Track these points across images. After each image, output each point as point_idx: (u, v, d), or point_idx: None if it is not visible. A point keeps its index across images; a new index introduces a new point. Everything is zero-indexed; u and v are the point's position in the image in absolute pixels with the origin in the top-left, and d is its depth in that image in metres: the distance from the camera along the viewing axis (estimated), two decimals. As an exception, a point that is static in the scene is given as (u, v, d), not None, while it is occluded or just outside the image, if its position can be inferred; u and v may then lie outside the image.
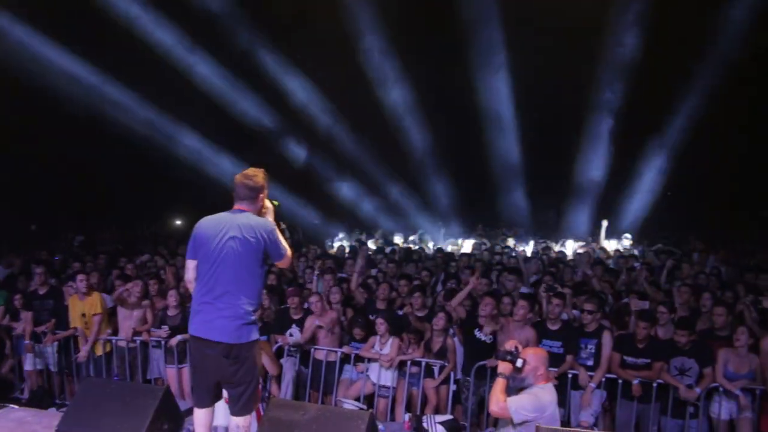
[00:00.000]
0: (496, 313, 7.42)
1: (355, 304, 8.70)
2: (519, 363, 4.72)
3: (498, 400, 4.66)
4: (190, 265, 4.50)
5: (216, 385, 4.61)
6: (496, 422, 6.17)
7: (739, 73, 16.11)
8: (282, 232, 4.68)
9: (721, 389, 6.64)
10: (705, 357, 6.75)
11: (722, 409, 6.68)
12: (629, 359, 6.89)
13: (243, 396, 4.55)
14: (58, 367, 8.64)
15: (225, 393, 4.80)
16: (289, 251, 4.59)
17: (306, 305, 8.19)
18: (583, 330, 7.22)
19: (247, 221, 4.43)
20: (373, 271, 10.68)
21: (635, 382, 6.75)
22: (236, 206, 4.55)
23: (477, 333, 7.41)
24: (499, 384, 4.74)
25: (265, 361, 7.01)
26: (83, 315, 8.31)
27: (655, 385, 6.76)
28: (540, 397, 4.70)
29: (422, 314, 7.99)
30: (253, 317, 4.47)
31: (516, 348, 4.85)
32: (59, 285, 9.25)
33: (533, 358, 4.86)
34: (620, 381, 6.87)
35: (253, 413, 5.87)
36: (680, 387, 6.63)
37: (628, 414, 6.89)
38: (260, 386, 5.20)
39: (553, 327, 7.18)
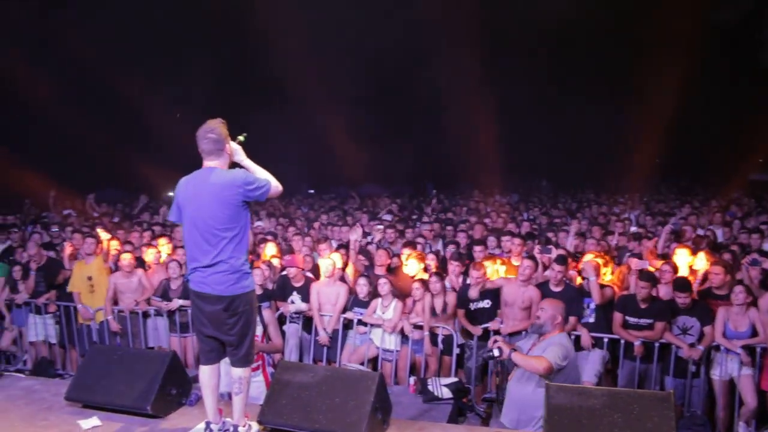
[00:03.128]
0: (486, 279, 7.50)
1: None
2: (496, 353, 5.29)
3: (538, 362, 5.06)
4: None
5: (216, 339, 4.60)
6: (499, 385, 6.31)
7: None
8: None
9: (722, 348, 6.69)
10: (706, 316, 6.80)
11: (723, 369, 6.72)
12: (631, 319, 6.93)
13: (242, 347, 4.57)
14: (58, 338, 8.66)
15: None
16: (271, 180, 4.50)
17: (306, 272, 8.20)
18: (584, 290, 7.26)
19: (219, 179, 4.35)
20: (370, 238, 10.64)
21: (637, 343, 6.80)
22: (205, 164, 4.45)
23: (472, 306, 7.51)
24: (519, 356, 5.23)
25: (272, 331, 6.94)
26: (89, 278, 8.29)
27: (657, 345, 6.81)
28: (565, 345, 5.25)
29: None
30: (246, 268, 4.48)
31: (494, 342, 5.47)
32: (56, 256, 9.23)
33: (550, 306, 5.44)
34: (622, 341, 6.92)
35: (263, 380, 5.90)
36: (683, 346, 6.67)
37: (631, 374, 6.95)
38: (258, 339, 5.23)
39: (556, 289, 7.20)
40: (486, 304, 7.48)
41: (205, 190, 4.32)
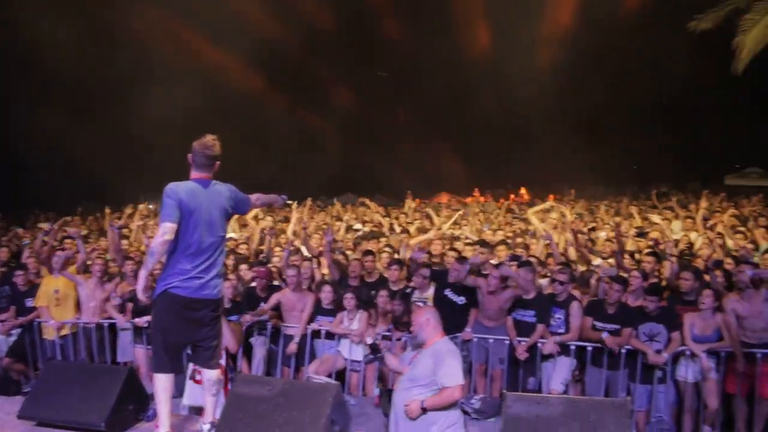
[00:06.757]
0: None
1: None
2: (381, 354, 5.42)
3: (450, 394, 4.67)
4: (172, 228, 4.55)
5: (183, 347, 5.09)
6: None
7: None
8: None
9: (687, 352, 6.70)
10: (673, 322, 6.78)
11: (689, 372, 6.75)
12: (599, 324, 6.91)
13: (216, 348, 4.93)
14: (21, 353, 8.39)
15: (196, 374, 5.45)
16: (251, 197, 5.08)
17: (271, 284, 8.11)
18: (553, 299, 7.23)
19: (220, 190, 4.80)
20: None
21: (604, 335, 6.78)
22: (201, 175, 4.75)
23: (448, 293, 7.42)
24: (431, 400, 4.71)
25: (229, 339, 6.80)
26: (56, 291, 8.06)
27: (624, 351, 6.79)
28: (454, 351, 4.94)
29: (397, 288, 7.88)
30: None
31: (370, 338, 5.76)
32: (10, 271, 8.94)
33: (417, 316, 5.11)
34: (589, 348, 6.90)
35: (221, 390, 5.84)
36: (649, 352, 6.65)
37: (598, 381, 6.92)
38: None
39: (527, 296, 7.17)
40: (460, 300, 7.37)
41: (211, 201, 4.71)
